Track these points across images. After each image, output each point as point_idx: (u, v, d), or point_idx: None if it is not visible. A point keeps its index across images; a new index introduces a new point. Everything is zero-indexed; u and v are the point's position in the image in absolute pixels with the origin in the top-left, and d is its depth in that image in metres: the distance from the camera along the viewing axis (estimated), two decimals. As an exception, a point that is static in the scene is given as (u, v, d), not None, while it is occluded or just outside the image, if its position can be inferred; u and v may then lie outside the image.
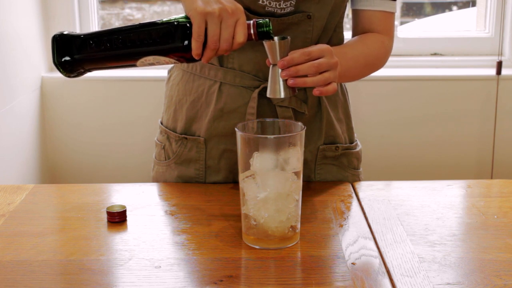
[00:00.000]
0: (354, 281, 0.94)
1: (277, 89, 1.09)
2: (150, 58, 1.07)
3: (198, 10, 1.03)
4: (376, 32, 1.33)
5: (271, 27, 1.06)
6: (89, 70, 1.12)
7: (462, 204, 1.24)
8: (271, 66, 1.09)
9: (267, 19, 1.06)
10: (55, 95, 2.30)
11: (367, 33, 1.33)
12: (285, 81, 1.08)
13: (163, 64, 1.09)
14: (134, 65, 1.10)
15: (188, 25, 1.04)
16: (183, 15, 1.06)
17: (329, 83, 1.11)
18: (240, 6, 1.05)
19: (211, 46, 1.03)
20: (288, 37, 1.09)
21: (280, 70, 1.08)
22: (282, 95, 1.09)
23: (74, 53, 1.09)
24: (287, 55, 1.08)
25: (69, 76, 1.12)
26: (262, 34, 1.06)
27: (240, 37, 1.04)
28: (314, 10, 1.24)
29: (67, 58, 1.09)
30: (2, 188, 1.30)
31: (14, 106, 2.04)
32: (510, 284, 0.93)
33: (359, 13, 1.33)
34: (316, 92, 1.10)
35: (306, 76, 1.09)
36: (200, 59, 1.06)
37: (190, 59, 1.07)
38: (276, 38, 1.07)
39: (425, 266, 0.98)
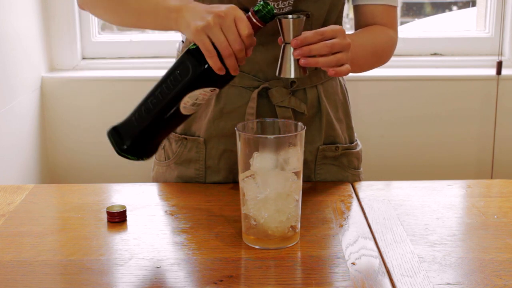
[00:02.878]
0: (354, 281, 0.94)
1: (287, 69, 1.07)
2: (188, 100, 1.05)
3: (194, 30, 1.02)
4: (380, 25, 1.33)
5: (269, 7, 1.03)
6: (153, 144, 1.11)
7: (462, 204, 1.24)
8: (282, 45, 1.08)
9: (262, 2, 1.04)
10: (55, 95, 2.30)
11: (372, 25, 1.32)
12: (296, 61, 1.07)
13: (203, 101, 1.06)
14: (184, 116, 1.07)
15: (197, 49, 1.03)
16: (192, 43, 1.06)
17: (342, 64, 1.09)
18: (231, 5, 1.04)
19: (225, 53, 1.02)
20: (302, 15, 1.07)
21: (292, 49, 1.06)
22: (293, 75, 1.08)
23: (129, 136, 1.09)
24: (300, 34, 1.06)
25: (143, 159, 1.11)
26: (265, 18, 1.04)
27: (244, 30, 1.02)
28: (312, 9, 1.24)
29: (127, 143, 1.09)
30: (2, 188, 1.30)
31: (14, 106, 2.04)
32: (510, 284, 0.93)
33: (361, 8, 1.33)
34: (331, 72, 1.08)
35: (317, 56, 1.07)
36: (229, 74, 1.04)
37: (222, 80, 1.05)
38: (290, 16, 1.06)
39: (425, 266, 0.98)
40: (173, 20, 1.07)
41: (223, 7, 1.03)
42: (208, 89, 1.05)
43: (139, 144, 1.10)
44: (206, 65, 1.03)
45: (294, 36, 1.06)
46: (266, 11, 1.03)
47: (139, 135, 1.09)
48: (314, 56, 1.06)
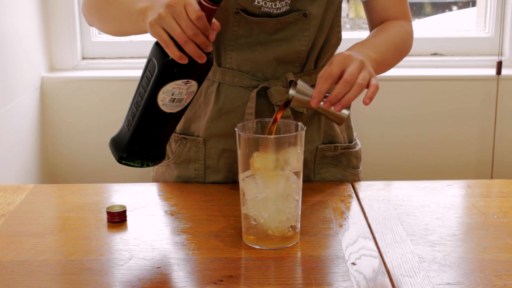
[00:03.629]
0: (354, 281, 0.94)
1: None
2: (164, 96, 1.03)
3: (149, 24, 1.02)
4: (393, 18, 1.32)
5: None
6: (151, 147, 1.11)
7: (462, 204, 1.24)
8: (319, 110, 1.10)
9: None
10: (55, 95, 2.29)
11: (383, 23, 1.32)
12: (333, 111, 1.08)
13: (184, 96, 1.05)
14: (170, 114, 1.06)
15: (158, 43, 1.02)
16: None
17: (368, 83, 1.08)
18: None
19: (181, 41, 0.99)
20: (298, 80, 1.09)
21: (322, 104, 1.08)
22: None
23: (124, 143, 1.09)
24: (310, 92, 1.08)
25: (149, 164, 1.11)
26: None
27: (192, 14, 0.99)
28: (310, 8, 1.24)
29: (124, 151, 1.09)
30: (2, 188, 1.30)
31: (14, 106, 2.04)
32: (510, 284, 0.93)
33: (372, 3, 1.33)
34: (366, 101, 1.06)
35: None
36: (198, 63, 1.02)
37: (192, 71, 1.03)
38: (290, 92, 1.08)
39: (425, 266, 0.98)
40: (141, 22, 1.07)
41: None
42: (180, 82, 1.03)
43: (136, 150, 1.09)
44: (169, 57, 1.01)
45: (311, 96, 1.08)
46: None
47: (132, 140, 1.09)
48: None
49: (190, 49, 1.00)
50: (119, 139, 1.11)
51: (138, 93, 1.07)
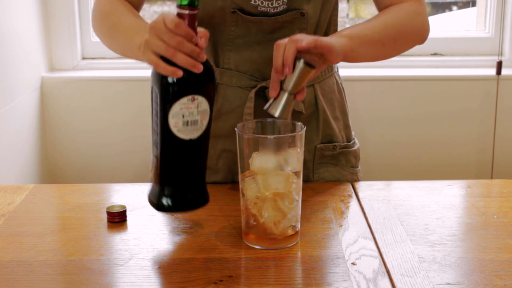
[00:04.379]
0: (354, 281, 0.94)
1: (277, 108, 1.09)
2: (175, 121, 0.99)
3: (141, 53, 1.03)
4: (405, 1, 1.27)
5: None
6: (186, 186, 1.05)
7: (462, 204, 1.24)
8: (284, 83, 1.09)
9: None
10: (55, 95, 2.30)
11: (389, 7, 1.27)
12: (288, 103, 1.08)
13: (196, 118, 1.00)
14: (187, 142, 1.01)
15: (153, 68, 1.01)
16: None
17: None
18: (163, 13, 1.03)
19: (168, 54, 0.98)
20: (313, 66, 1.08)
21: (288, 94, 1.08)
22: (278, 115, 1.09)
23: (156, 187, 1.06)
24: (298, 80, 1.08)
25: (187, 208, 1.07)
26: (191, 3, 0.98)
27: (170, 24, 0.98)
28: (306, 7, 1.24)
29: (159, 198, 1.05)
30: (2, 188, 1.30)
31: (14, 106, 2.04)
32: (510, 284, 0.93)
33: None
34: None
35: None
36: (197, 75, 0.99)
37: (194, 86, 0.99)
38: (301, 62, 1.07)
39: (425, 266, 0.98)
40: (141, 56, 1.06)
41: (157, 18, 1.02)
42: (185, 100, 0.99)
43: (169, 193, 1.04)
44: (165, 77, 0.99)
45: (296, 84, 1.07)
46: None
47: (162, 183, 1.04)
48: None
49: (180, 59, 0.98)
50: (152, 188, 1.07)
51: (152, 130, 1.03)
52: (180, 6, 0.99)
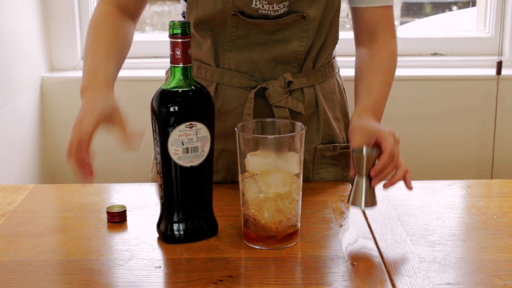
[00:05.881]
0: (354, 281, 0.94)
1: (360, 199, 1.09)
2: (175, 149, 1.01)
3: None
4: (380, 30, 1.32)
5: (175, 23, 1.01)
6: (192, 216, 1.06)
7: (462, 204, 1.24)
8: (356, 176, 1.10)
9: (170, 23, 1.02)
10: (55, 95, 2.29)
11: (374, 50, 1.32)
12: (369, 191, 1.09)
13: (197, 145, 1.02)
14: (188, 169, 1.02)
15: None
16: None
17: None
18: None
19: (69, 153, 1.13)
20: (376, 150, 1.11)
21: (365, 180, 1.09)
22: (366, 206, 1.10)
23: (162, 217, 1.07)
24: (372, 164, 1.09)
25: (195, 238, 1.07)
26: (183, 32, 1.01)
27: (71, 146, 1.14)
28: (308, 11, 1.24)
29: (166, 228, 1.06)
30: (2, 188, 1.30)
31: (14, 106, 2.04)
32: (510, 284, 0.93)
33: (360, 12, 1.32)
34: (387, 185, 1.13)
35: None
36: (205, 104, 1.04)
37: (196, 113, 1.01)
38: (364, 151, 1.09)
39: (425, 266, 0.98)
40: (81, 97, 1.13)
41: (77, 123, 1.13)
42: (183, 127, 1.01)
43: (178, 221, 1.05)
44: (163, 105, 1.01)
45: (368, 168, 1.09)
46: (175, 27, 1.01)
47: (168, 212, 1.05)
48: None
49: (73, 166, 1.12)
50: (159, 217, 1.08)
51: (155, 160, 1.05)
52: (172, 36, 1.01)
